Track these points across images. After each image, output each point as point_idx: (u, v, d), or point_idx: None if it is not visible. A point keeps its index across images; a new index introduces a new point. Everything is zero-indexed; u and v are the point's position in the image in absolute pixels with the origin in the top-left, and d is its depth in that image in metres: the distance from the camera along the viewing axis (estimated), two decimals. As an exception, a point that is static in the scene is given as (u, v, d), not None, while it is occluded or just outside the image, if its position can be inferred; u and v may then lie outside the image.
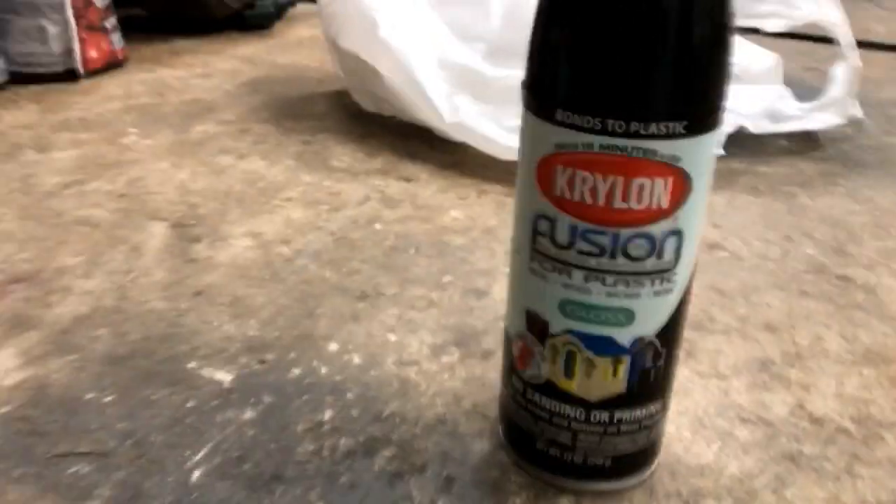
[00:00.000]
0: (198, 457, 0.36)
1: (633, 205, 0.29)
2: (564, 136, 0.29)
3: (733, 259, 0.57)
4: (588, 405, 0.34)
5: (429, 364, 0.44)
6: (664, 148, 0.28)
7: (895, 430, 0.40)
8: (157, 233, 0.56)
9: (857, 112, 0.78)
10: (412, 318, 0.48)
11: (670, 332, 0.33)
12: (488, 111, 0.67)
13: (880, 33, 1.16)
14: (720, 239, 0.59)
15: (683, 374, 0.44)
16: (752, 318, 0.50)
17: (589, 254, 0.30)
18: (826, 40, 0.78)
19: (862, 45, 0.93)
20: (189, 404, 0.40)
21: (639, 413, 0.34)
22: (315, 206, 0.61)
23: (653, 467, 0.37)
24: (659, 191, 0.29)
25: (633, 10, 0.27)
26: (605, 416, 0.34)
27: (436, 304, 0.49)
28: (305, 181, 0.65)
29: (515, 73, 0.68)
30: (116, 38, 0.90)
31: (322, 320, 0.47)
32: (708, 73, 0.28)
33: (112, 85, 0.85)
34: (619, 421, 0.34)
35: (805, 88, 0.92)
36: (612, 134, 0.28)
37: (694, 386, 0.43)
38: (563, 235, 0.30)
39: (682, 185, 0.29)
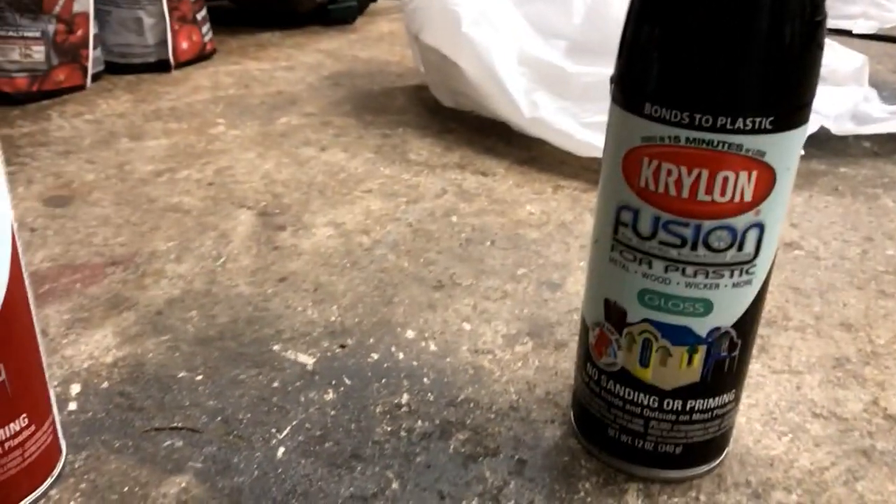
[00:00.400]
0: (282, 434, 0.38)
1: (717, 197, 0.30)
2: (652, 129, 0.30)
3: (810, 258, 0.56)
4: (662, 393, 0.34)
5: (502, 353, 0.45)
6: (750, 142, 0.29)
7: (978, 434, 0.40)
8: (244, 220, 0.58)
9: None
10: (487, 309, 0.49)
11: (747, 324, 0.33)
12: (567, 107, 0.68)
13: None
14: (798, 238, 0.58)
15: (755, 369, 0.44)
16: (828, 317, 0.49)
17: (670, 244, 0.31)
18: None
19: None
20: (274, 384, 0.42)
21: (712, 402, 0.35)
22: (394, 198, 0.62)
23: (722, 457, 0.37)
24: (743, 184, 0.29)
25: (723, 5, 0.27)
26: (678, 404, 0.34)
27: (510, 295, 0.50)
28: (384, 173, 0.67)
29: (596, 69, 0.68)
30: (206, 30, 0.93)
31: (400, 308, 0.49)
32: (797, 70, 0.28)
33: (201, 76, 0.89)
34: (692, 410, 0.35)
35: (892, 90, 0.90)
36: (700, 128, 0.29)
37: (766, 380, 0.43)
38: (645, 226, 0.31)
39: (767, 179, 0.30)
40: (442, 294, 0.50)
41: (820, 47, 0.29)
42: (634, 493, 0.36)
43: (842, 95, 0.74)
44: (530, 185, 0.66)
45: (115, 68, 0.88)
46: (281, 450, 0.37)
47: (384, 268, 0.53)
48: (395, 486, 0.35)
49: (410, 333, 0.46)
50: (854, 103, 0.73)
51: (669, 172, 0.30)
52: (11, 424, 0.32)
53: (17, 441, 0.32)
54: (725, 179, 0.29)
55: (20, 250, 0.31)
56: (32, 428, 0.33)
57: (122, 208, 0.59)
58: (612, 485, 0.36)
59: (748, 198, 0.30)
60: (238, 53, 0.98)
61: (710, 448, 0.36)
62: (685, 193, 0.30)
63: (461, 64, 0.71)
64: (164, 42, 0.88)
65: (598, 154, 0.67)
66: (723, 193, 0.30)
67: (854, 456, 0.38)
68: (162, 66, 0.89)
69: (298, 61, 0.95)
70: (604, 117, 0.70)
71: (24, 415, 0.32)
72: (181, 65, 0.90)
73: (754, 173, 0.29)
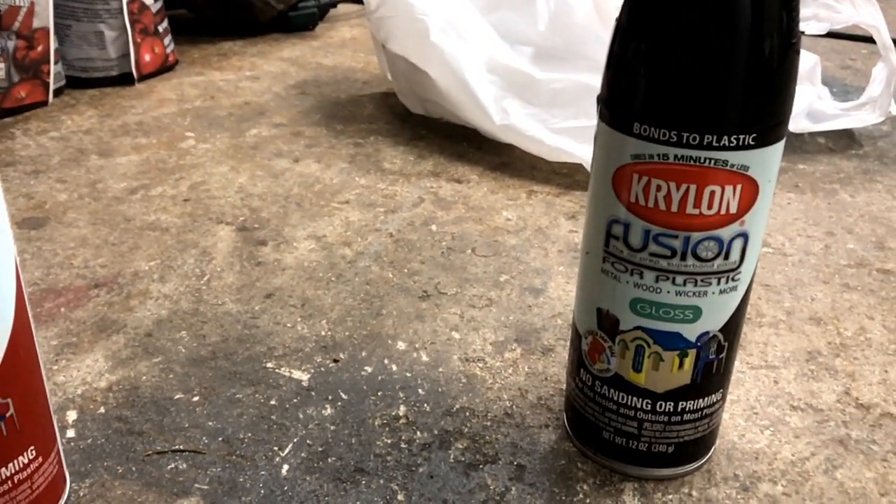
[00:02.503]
0: (285, 452, 0.39)
1: (705, 210, 0.31)
2: (641, 147, 0.31)
3: (778, 255, 0.58)
4: (655, 396, 0.36)
5: (492, 360, 0.46)
6: (735, 158, 0.30)
7: (945, 420, 0.42)
8: (224, 237, 0.58)
9: (895, 109, 0.79)
10: (473, 317, 0.50)
11: (733, 327, 0.35)
12: (536, 114, 0.69)
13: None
14: (765, 236, 0.61)
15: (735, 366, 0.46)
16: (798, 312, 0.52)
17: (661, 256, 0.32)
18: (861, 39, 0.80)
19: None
20: (272, 402, 0.42)
21: (701, 403, 0.36)
22: (372, 209, 0.63)
23: (711, 453, 0.39)
24: (728, 197, 0.31)
25: (709, 30, 0.29)
26: (670, 406, 0.36)
27: (495, 302, 0.52)
28: (360, 184, 0.67)
29: (563, 76, 0.70)
30: (168, 41, 0.93)
31: (388, 320, 0.49)
32: (776, 89, 0.30)
33: (165, 88, 0.88)
34: (683, 410, 0.36)
35: (842, 86, 0.93)
36: (687, 146, 0.30)
37: (745, 376, 0.45)
38: (636, 239, 0.33)
39: (751, 192, 0.31)
40: (429, 304, 0.51)
41: (795, 67, 0.31)
42: (630, 492, 0.37)
43: (797, 95, 0.76)
44: (504, 191, 0.67)
45: (76, 83, 0.86)
46: (285, 467, 0.38)
47: (369, 279, 0.54)
48: (400, 497, 0.36)
49: (401, 345, 0.47)
50: (809, 102, 0.76)
51: (659, 188, 0.31)
52: (20, 457, 0.32)
53: (25, 474, 0.32)
54: (712, 193, 0.31)
55: (23, 285, 0.31)
56: (40, 460, 0.33)
57: (99, 228, 0.59)
58: (608, 485, 0.38)
59: (734, 210, 0.32)
60: (201, 64, 0.97)
61: (700, 446, 0.38)
62: (674, 207, 0.31)
63: (431, 73, 0.72)
64: (127, 55, 0.87)
65: (569, 159, 0.69)
66: (710, 206, 0.31)
67: (832, 445, 0.40)
68: (125, 80, 0.88)
69: (263, 70, 0.95)
70: (573, 123, 0.72)
71: (32, 447, 0.33)
72: (144, 77, 0.90)
73: (739, 187, 0.31)
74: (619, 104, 0.32)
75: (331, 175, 0.69)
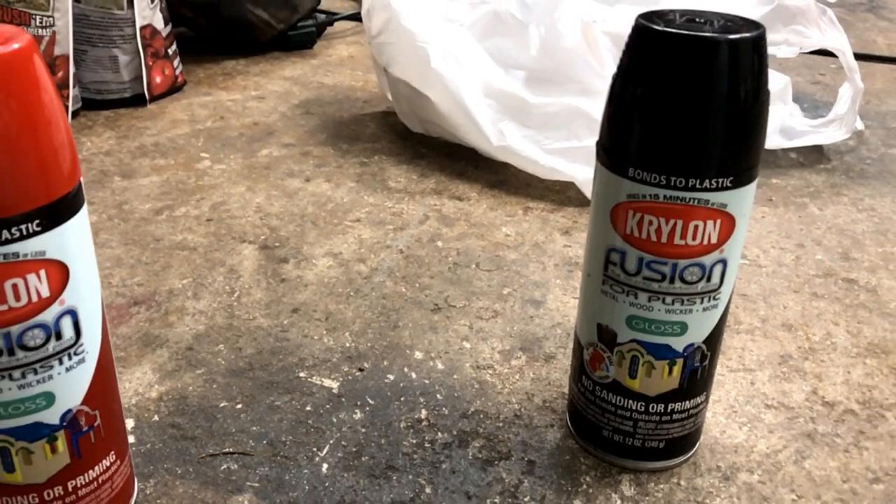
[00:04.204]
0: (323, 452, 0.44)
1: (690, 241, 0.37)
2: (635, 188, 0.36)
3: (753, 266, 0.64)
4: (648, 399, 0.41)
5: (501, 367, 0.52)
6: (715, 198, 0.36)
7: (895, 410, 0.48)
8: (248, 255, 0.63)
9: (860, 126, 0.85)
10: (481, 328, 0.55)
11: (715, 338, 0.41)
12: (531, 135, 0.74)
13: (881, 45, 1.23)
14: (742, 248, 0.66)
15: (716, 370, 0.51)
16: (772, 319, 0.57)
17: (652, 279, 0.38)
18: (830, 54, 0.86)
19: (863, 57, 1.01)
20: (307, 408, 0.47)
21: (688, 404, 0.42)
22: (381, 226, 0.68)
23: (696, 448, 0.45)
24: (710, 230, 0.37)
25: (692, 95, 0.34)
26: (661, 407, 0.42)
27: (500, 314, 0.57)
28: (369, 202, 0.73)
29: (554, 99, 0.76)
30: (177, 63, 0.97)
31: (405, 331, 0.55)
32: (748, 141, 0.36)
33: (176, 109, 0.93)
34: (672, 411, 0.42)
35: (812, 101, 1.00)
36: (675, 188, 0.36)
37: (725, 378, 0.51)
38: (631, 265, 0.38)
39: (728, 225, 0.37)
40: (440, 316, 0.56)
41: (765, 121, 0.37)
42: (627, 482, 0.43)
43: (771, 113, 0.82)
44: (502, 207, 0.72)
45: (91, 104, 0.91)
46: (324, 466, 0.43)
47: (385, 294, 0.59)
48: (428, 490, 0.42)
49: (418, 354, 0.52)
50: (781, 119, 0.82)
51: (651, 222, 0.37)
52: (104, 461, 0.37)
53: (107, 475, 0.37)
54: (696, 227, 0.37)
55: (104, 310, 0.36)
56: (118, 463, 0.38)
57: (131, 248, 0.64)
58: (608, 477, 0.43)
59: (714, 240, 0.37)
60: (207, 84, 1.02)
61: (686, 441, 0.44)
62: (664, 239, 0.37)
63: (432, 97, 0.77)
64: (139, 77, 0.92)
65: (561, 177, 0.74)
66: (694, 238, 0.37)
67: (801, 439, 0.46)
68: (137, 101, 0.93)
69: (267, 90, 1.00)
70: (565, 144, 0.78)
71: (112, 452, 0.38)
72: (155, 98, 0.94)
73: (719, 221, 0.37)
74: (616, 152, 0.37)
75: (341, 194, 0.74)
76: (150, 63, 0.92)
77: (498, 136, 0.75)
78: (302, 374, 0.50)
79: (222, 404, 0.47)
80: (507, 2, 0.81)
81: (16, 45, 0.30)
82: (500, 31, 0.82)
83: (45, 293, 0.32)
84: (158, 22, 0.93)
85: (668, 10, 0.37)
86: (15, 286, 0.31)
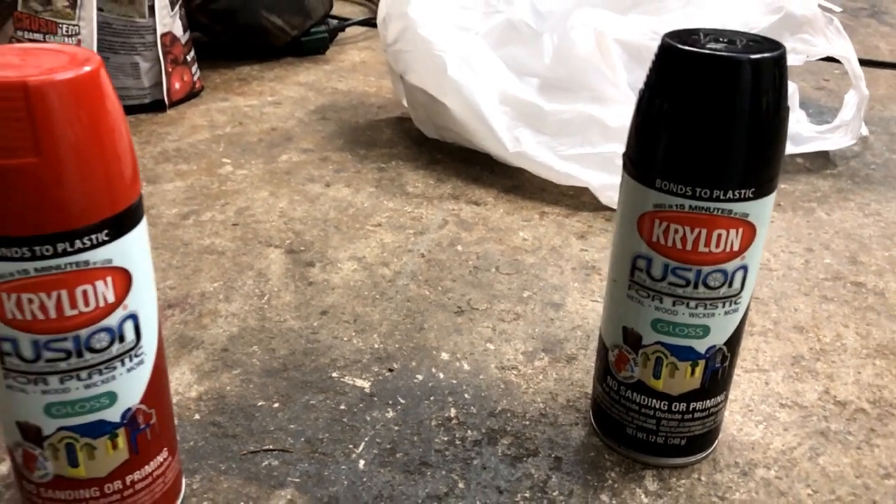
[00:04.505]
0: (359, 449, 0.46)
1: (713, 249, 0.39)
2: (662, 198, 0.39)
3: (764, 270, 0.66)
4: (671, 398, 0.43)
5: (525, 368, 0.54)
6: (737, 208, 0.38)
7: (908, 413, 0.50)
8: (275, 259, 0.65)
9: (865, 131, 0.88)
10: (504, 330, 0.57)
11: (735, 341, 0.43)
12: (546, 142, 0.76)
13: (883, 51, 1.25)
14: (752, 252, 0.69)
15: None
16: (784, 321, 0.59)
17: (677, 285, 0.40)
18: (833, 60, 0.88)
19: (867, 63, 1.03)
20: (341, 407, 0.49)
21: (709, 403, 0.44)
22: (402, 231, 0.70)
23: (715, 445, 0.47)
24: (732, 238, 0.39)
25: (718, 112, 0.36)
26: (683, 406, 0.44)
27: (521, 316, 0.59)
28: (389, 207, 0.75)
29: (568, 107, 0.78)
30: (195, 70, 0.99)
31: (431, 333, 0.57)
32: (769, 155, 0.38)
33: (195, 115, 0.95)
34: (694, 410, 0.44)
35: (817, 107, 1.02)
36: (699, 198, 0.38)
37: (741, 379, 0.53)
38: (657, 271, 0.40)
39: (750, 233, 0.39)
40: (464, 318, 0.58)
41: (784, 137, 0.39)
42: (650, 477, 0.45)
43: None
44: (519, 212, 0.75)
45: (112, 110, 0.93)
46: (361, 462, 0.45)
47: (409, 297, 0.61)
48: (461, 485, 0.44)
49: (445, 356, 0.54)
50: (790, 126, 0.84)
51: (676, 231, 0.39)
52: (158, 457, 0.39)
53: (161, 470, 0.39)
54: (720, 235, 0.39)
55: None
56: (170, 459, 0.40)
57: (161, 252, 0.66)
58: (632, 472, 0.45)
59: (736, 248, 0.39)
60: (223, 89, 1.04)
61: (706, 439, 0.46)
62: (689, 246, 0.39)
63: (448, 104, 0.80)
64: (159, 84, 0.93)
65: (576, 183, 0.76)
66: (717, 246, 0.39)
67: (815, 437, 0.48)
68: (156, 106, 0.95)
69: (283, 96, 1.02)
70: (579, 150, 0.80)
71: (165, 448, 0.40)
72: (174, 104, 0.96)
73: (741, 230, 0.39)
74: (644, 164, 0.39)
75: (361, 199, 0.76)
76: (170, 69, 0.94)
77: (514, 142, 0.77)
78: (334, 375, 0.52)
79: (260, 403, 0.49)
80: (521, 11, 0.83)
81: (86, 68, 0.32)
82: (514, 39, 0.84)
83: (111, 299, 0.34)
84: (178, 29, 0.95)
85: (693, 30, 0.39)
86: (85, 292, 0.33)
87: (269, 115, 0.96)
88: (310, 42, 1.17)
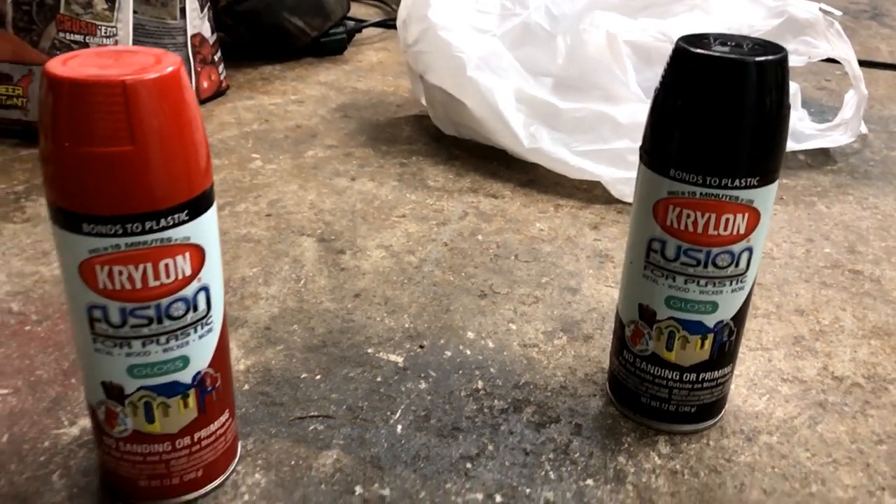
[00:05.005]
0: (396, 415, 0.51)
1: (721, 232, 0.43)
2: (675, 186, 0.43)
3: (767, 258, 0.70)
4: (682, 369, 0.48)
5: (545, 346, 0.58)
6: (744, 194, 0.42)
7: (899, 387, 0.55)
8: (308, 247, 0.70)
9: (864, 130, 0.92)
10: (525, 312, 0.62)
11: (741, 316, 0.47)
12: (560, 138, 0.81)
13: (883, 52, 1.30)
14: (756, 242, 0.73)
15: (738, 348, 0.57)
16: (785, 305, 0.64)
17: (689, 265, 0.44)
18: (834, 61, 0.92)
19: (867, 64, 1.07)
20: (377, 379, 0.54)
21: (716, 374, 0.48)
22: (425, 221, 0.75)
23: (722, 413, 0.51)
24: (739, 222, 0.43)
25: (726, 107, 0.41)
26: (693, 376, 0.48)
27: (540, 300, 0.63)
28: (411, 199, 0.79)
29: (582, 105, 0.82)
30: (222, 69, 1.03)
31: (457, 314, 0.61)
32: (772, 146, 0.42)
33: (223, 112, 0.99)
34: (703, 380, 0.48)
35: (818, 106, 1.06)
36: (710, 186, 0.42)
37: (745, 356, 0.57)
38: (671, 252, 0.44)
39: (755, 218, 0.43)
40: (487, 301, 0.63)
41: (787, 128, 0.43)
42: (663, 442, 0.49)
43: (781, 118, 0.89)
44: (535, 204, 0.79)
45: (143, 108, 0.97)
46: (399, 427, 0.49)
47: (435, 282, 0.65)
48: (490, 447, 0.48)
49: (470, 334, 0.59)
50: (791, 124, 0.88)
51: (688, 216, 0.43)
52: (221, 418, 0.43)
53: (223, 430, 0.44)
54: (727, 220, 0.43)
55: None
56: (230, 420, 0.44)
57: (201, 240, 0.70)
58: (646, 438, 0.49)
59: (742, 231, 0.44)
60: (248, 88, 1.08)
61: (714, 407, 0.50)
62: (699, 230, 0.43)
63: (467, 102, 0.84)
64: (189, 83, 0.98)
65: (589, 177, 0.81)
66: (725, 229, 0.43)
67: (813, 407, 0.52)
68: (186, 104, 0.99)
69: (305, 95, 1.06)
70: (592, 146, 0.84)
71: (227, 410, 0.44)
72: (202, 102, 1.00)
73: (746, 215, 0.43)
74: (659, 156, 0.44)
75: (385, 192, 0.80)
76: (199, 69, 0.98)
77: (530, 138, 0.81)
78: (370, 350, 0.56)
79: (303, 375, 0.54)
80: (536, 14, 0.87)
81: (169, 69, 0.36)
82: (529, 41, 0.88)
83: (188, 272, 0.38)
84: (206, 30, 0.99)
85: (704, 34, 0.43)
86: (167, 265, 0.37)
87: (294, 112, 1.00)
88: (329, 43, 1.21)
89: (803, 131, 0.89)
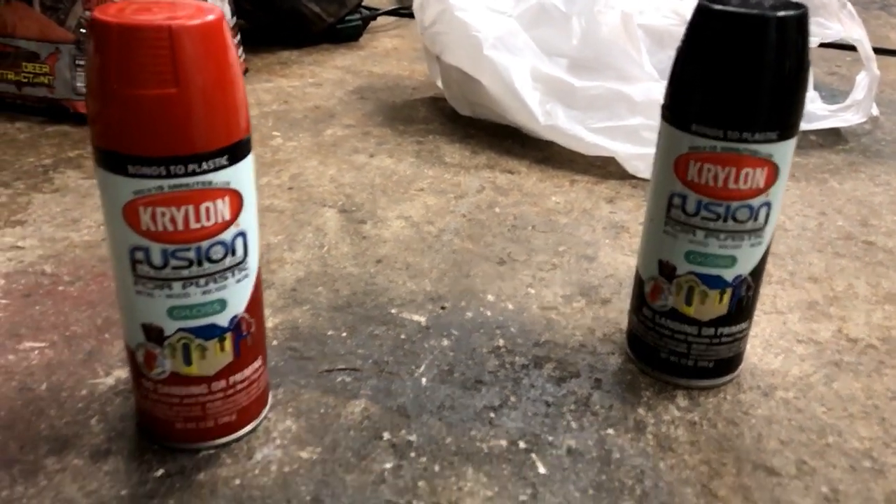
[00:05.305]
0: (420, 370, 0.52)
1: (741, 186, 0.44)
2: (696, 141, 0.44)
3: (780, 230, 0.72)
4: (700, 324, 0.49)
5: (563, 308, 0.59)
6: (763, 149, 0.43)
7: (912, 347, 0.56)
8: (330, 217, 0.71)
9: (876, 111, 0.93)
10: (543, 277, 0.63)
11: (758, 272, 0.48)
12: (575, 116, 0.82)
13: (894, 40, 1.31)
14: (769, 216, 0.74)
15: (753, 312, 0.59)
16: (799, 273, 0.65)
17: (709, 219, 0.46)
18: (845, 47, 0.93)
19: (877, 51, 1.08)
20: (402, 336, 0.55)
21: (734, 329, 0.50)
22: (443, 195, 0.76)
23: (739, 370, 0.52)
24: (758, 176, 0.44)
25: (747, 61, 0.42)
26: (711, 331, 0.49)
27: (558, 266, 0.65)
28: (429, 175, 0.80)
29: (597, 84, 0.83)
30: (241, 52, 1.05)
31: (476, 279, 0.62)
32: (792, 101, 0.43)
33: (241, 95, 1.00)
34: (721, 335, 0.49)
35: (829, 90, 1.07)
36: (730, 140, 0.43)
37: (760, 320, 0.58)
38: (691, 207, 0.46)
39: (773, 173, 0.44)
40: (505, 268, 0.64)
41: (805, 84, 0.44)
42: (681, 396, 0.50)
43: (793, 98, 0.90)
44: (550, 180, 0.80)
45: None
46: (424, 379, 0.51)
47: (454, 250, 0.66)
48: (512, 399, 0.49)
49: (490, 297, 0.60)
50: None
51: (709, 170, 0.45)
52: (254, 363, 0.45)
53: (256, 375, 0.45)
54: (747, 174, 0.44)
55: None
56: (262, 367, 0.46)
57: (225, 211, 0.71)
58: (664, 392, 0.51)
59: (761, 185, 0.45)
60: (266, 71, 1.09)
61: (732, 363, 0.51)
62: (720, 184, 0.45)
63: (483, 81, 0.85)
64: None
65: (604, 153, 0.82)
66: (745, 183, 0.44)
67: (829, 366, 0.54)
68: (205, 86, 1.00)
69: (322, 78, 1.08)
70: (607, 123, 0.85)
71: (259, 356, 0.45)
72: (221, 84, 1.02)
73: (765, 169, 0.44)
74: (680, 111, 0.45)
75: (403, 168, 0.82)
76: (219, 51, 1.00)
77: (546, 116, 0.83)
78: (393, 311, 0.58)
79: (329, 332, 0.55)
80: (552, -5, 0.89)
81: (211, 17, 0.38)
82: (544, 21, 0.89)
83: (227, 216, 0.40)
84: (227, 14, 1.01)
85: (725, -6, 0.45)
86: (207, 209, 0.39)
87: (312, 94, 1.02)
88: (345, 29, 1.23)
89: (815, 112, 0.90)
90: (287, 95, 1.01)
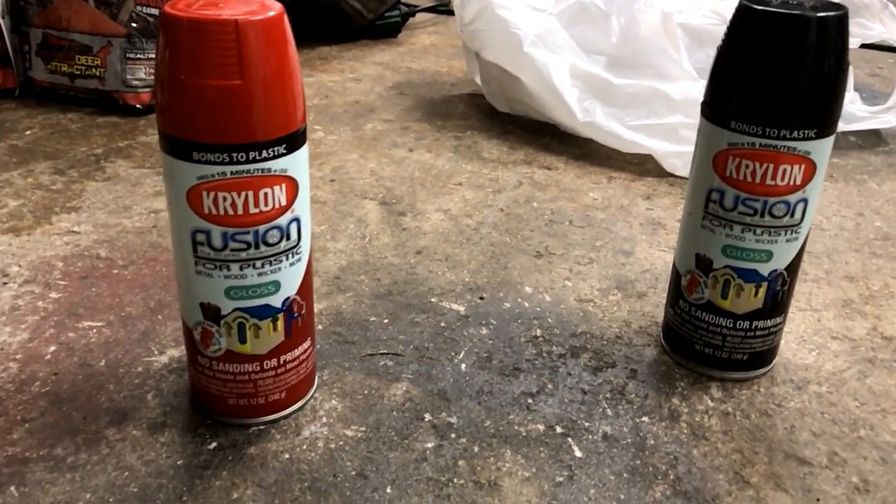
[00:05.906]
0: (460, 356, 0.54)
1: (779, 182, 0.45)
2: (735, 138, 0.45)
3: (817, 230, 0.72)
4: (736, 317, 0.50)
5: (600, 301, 0.60)
6: (801, 146, 0.44)
7: (947, 346, 0.56)
8: (371, 209, 0.73)
9: (915, 113, 0.93)
10: (580, 271, 0.64)
11: (794, 267, 0.49)
12: (613, 113, 0.83)
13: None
14: (805, 215, 0.74)
15: (788, 309, 0.59)
16: (835, 272, 0.66)
17: (746, 214, 0.47)
18: (888, 49, 0.93)
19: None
20: (441, 324, 0.57)
21: (769, 322, 0.51)
22: (482, 189, 0.78)
23: (773, 364, 0.53)
24: (795, 173, 0.45)
25: (786, 60, 0.43)
26: (746, 324, 0.50)
27: (595, 261, 0.66)
28: (467, 169, 0.82)
29: (635, 81, 0.84)
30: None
31: (514, 271, 0.64)
32: (831, 101, 0.44)
33: (284, 90, 1.03)
34: (756, 328, 0.50)
35: (870, 92, 1.07)
36: (768, 137, 0.44)
37: (795, 316, 0.59)
38: (729, 202, 0.47)
39: (811, 169, 0.45)
40: (543, 261, 0.66)
41: (844, 84, 0.45)
42: (715, 388, 0.51)
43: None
44: (588, 176, 0.81)
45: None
46: (463, 366, 0.53)
47: (492, 242, 0.68)
48: (549, 386, 0.51)
49: (528, 289, 0.62)
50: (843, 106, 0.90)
51: (747, 166, 0.46)
52: (304, 344, 0.47)
53: (305, 356, 0.47)
54: (784, 170, 0.45)
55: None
56: (311, 348, 0.48)
57: (270, 200, 0.74)
58: (699, 384, 0.52)
59: (798, 182, 0.46)
60: (307, 66, 1.12)
61: (766, 356, 0.52)
62: (757, 180, 0.46)
63: (522, 78, 0.87)
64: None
65: (642, 151, 0.83)
66: (782, 179, 0.45)
67: (863, 363, 0.54)
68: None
69: (362, 73, 1.10)
70: (645, 121, 0.86)
71: (308, 338, 0.47)
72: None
73: (803, 166, 0.45)
74: (720, 108, 0.46)
75: (442, 162, 0.83)
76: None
77: (584, 113, 0.84)
78: (433, 300, 0.60)
79: (372, 319, 0.57)
80: (592, -6, 0.90)
81: (274, 12, 0.39)
82: (584, 19, 0.91)
83: (284, 202, 0.42)
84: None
85: (766, -6, 0.46)
86: (266, 194, 0.41)
87: (352, 89, 1.04)
88: (384, 25, 1.25)
89: (855, 113, 0.90)
90: (328, 90, 1.03)
